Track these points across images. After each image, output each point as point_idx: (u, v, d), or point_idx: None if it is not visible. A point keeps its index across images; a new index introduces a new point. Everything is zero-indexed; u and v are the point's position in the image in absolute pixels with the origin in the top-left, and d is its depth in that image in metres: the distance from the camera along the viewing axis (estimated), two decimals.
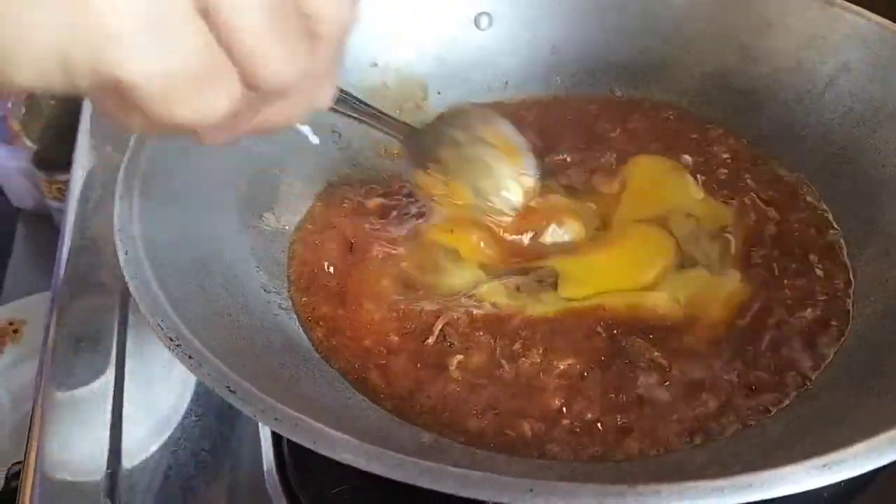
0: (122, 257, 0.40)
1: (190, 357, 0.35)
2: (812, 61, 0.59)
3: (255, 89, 0.26)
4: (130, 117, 0.25)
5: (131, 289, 0.38)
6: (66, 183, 0.79)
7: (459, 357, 0.45)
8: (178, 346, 0.35)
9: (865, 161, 0.55)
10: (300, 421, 0.32)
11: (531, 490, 0.29)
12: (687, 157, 0.59)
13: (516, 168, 0.53)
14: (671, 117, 0.63)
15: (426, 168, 0.52)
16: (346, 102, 0.46)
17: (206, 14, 0.24)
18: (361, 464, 0.31)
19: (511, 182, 0.52)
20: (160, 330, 0.36)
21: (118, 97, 0.24)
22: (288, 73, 0.26)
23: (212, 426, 0.52)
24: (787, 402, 0.43)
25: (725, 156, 0.59)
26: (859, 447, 0.31)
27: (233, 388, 0.33)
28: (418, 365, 0.45)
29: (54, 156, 1.10)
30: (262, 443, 0.48)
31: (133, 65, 0.22)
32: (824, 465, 0.30)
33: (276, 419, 0.32)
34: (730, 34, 0.63)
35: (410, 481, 0.30)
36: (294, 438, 0.32)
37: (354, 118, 0.48)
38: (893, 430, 0.32)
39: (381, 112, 0.51)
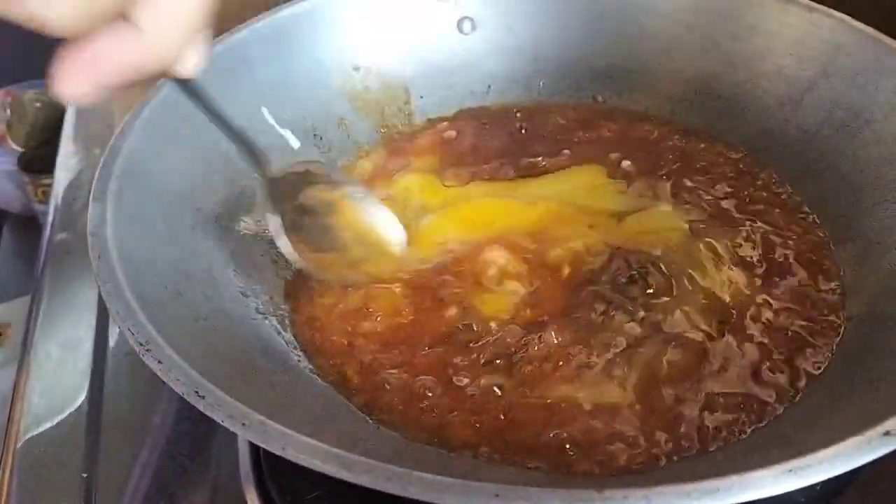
0: (94, 261, 0.40)
1: (159, 362, 0.35)
2: (792, 67, 0.60)
3: None
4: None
5: (102, 293, 0.38)
6: (52, 186, 0.79)
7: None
8: (147, 350, 0.35)
9: (845, 166, 0.55)
10: (268, 426, 0.32)
11: (497, 495, 0.29)
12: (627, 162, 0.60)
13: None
14: (647, 126, 0.64)
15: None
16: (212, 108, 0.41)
17: None
18: (329, 469, 0.31)
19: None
20: (130, 335, 0.36)
21: None
22: None
23: (190, 430, 0.52)
24: (776, 413, 0.43)
25: (703, 163, 0.60)
26: (826, 452, 0.31)
27: (202, 394, 0.33)
28: (388, 364, 0.46)
29: (40, 158, 1.10)
30: (240, 447, 0.48)
31: None
32: (790, 470, 0.30)
33: (244, 424, 0.32)
34: (712, 40, 0.63)
35: (377, 487, 0.30)
36: (262, 444, 0.32)
37: (217, 124, 0.43)
38: (860, 436, 0.32)
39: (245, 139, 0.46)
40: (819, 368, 0.45)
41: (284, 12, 0.61)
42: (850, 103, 0.56)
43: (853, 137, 0.55)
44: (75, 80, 0.28)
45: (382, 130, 0.65)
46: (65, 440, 0.52)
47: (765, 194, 0.57)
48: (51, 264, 0.66)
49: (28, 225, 1.21)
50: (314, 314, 0.50)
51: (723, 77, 0.62)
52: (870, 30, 0.56)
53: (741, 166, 0.60)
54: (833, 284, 0.50)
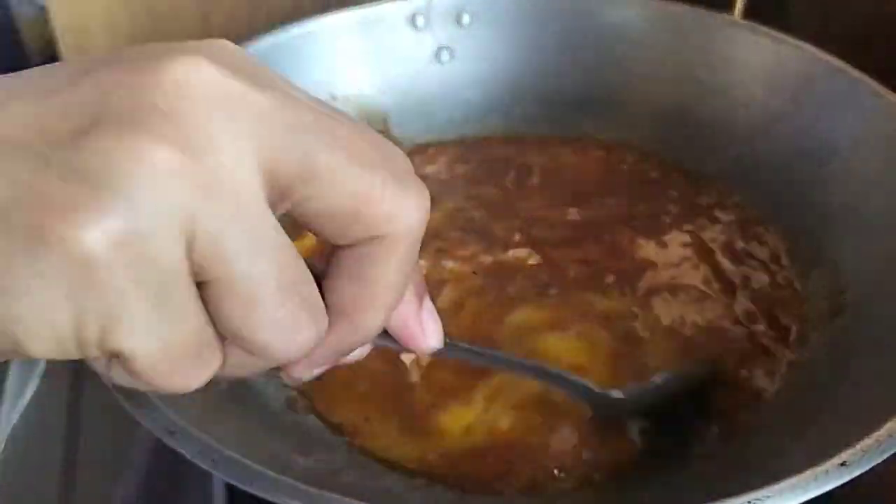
0: None
1: (131, 398, 0.35)
2: (764, 97, 0.61)
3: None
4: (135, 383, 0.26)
5: None
6: None
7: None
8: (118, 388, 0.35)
9: (815, 194, 0.56)
10: (236, 462, 0.32)
11: None
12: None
13: None
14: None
15: None
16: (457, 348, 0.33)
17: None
18: None
19: None
20: (104, 376, 0.36)
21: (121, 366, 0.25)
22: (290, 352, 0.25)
23: (165, 468, 0.52)
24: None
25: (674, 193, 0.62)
26: (783, 485, 0.32)
27: (172, 430, 0.34)
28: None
29: None
30: (215, 485, 0.48)
31: (133, 340, 0.24)
32: (749, 502, 0.31)
33: (213, 461, 0.32)
34: (686, 69, 0.64)
35: None
36: (231, 480, 0.32)
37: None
38: (820, 466, 0.33)
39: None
40: (770, 397, 0.46)
41: (261, 43, 0.62)
42: (819, 133, 0.57)
43: (823, 166, 0.56)
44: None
45: None
46: (40, 475, 0.51)
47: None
48: None
49: None
50: None
51: (696, 107, 0.63)
52: (838, 62, 0.57)
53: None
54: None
